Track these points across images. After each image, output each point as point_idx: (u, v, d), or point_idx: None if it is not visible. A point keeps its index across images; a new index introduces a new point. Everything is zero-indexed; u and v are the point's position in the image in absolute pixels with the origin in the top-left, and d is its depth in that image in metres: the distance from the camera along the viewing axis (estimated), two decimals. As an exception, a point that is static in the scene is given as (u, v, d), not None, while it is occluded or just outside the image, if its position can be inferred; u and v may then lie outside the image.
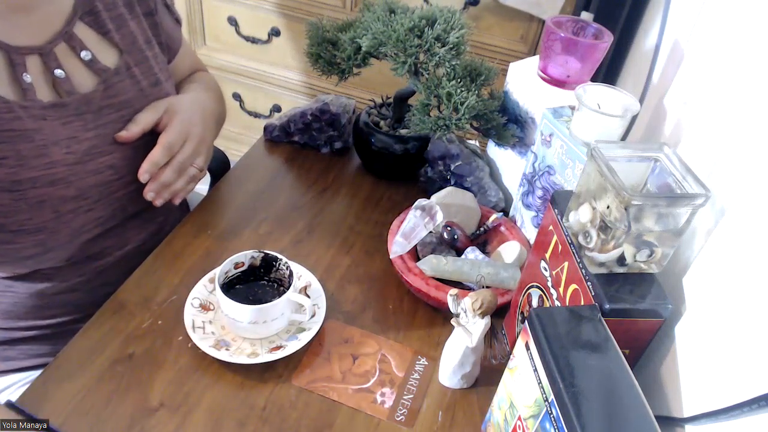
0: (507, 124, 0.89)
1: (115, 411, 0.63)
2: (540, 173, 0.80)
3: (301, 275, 0.78)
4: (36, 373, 0.67)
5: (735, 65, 0.59)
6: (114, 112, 0.75)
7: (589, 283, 0.55)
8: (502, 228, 0.86)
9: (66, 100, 0.70)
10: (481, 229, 0.86)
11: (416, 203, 0.81)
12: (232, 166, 1.02)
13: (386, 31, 0.81)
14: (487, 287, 0.76)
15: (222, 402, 0.65)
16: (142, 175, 0.75)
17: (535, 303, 0.67)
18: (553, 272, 0.62)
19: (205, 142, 0.82)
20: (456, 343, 0.67)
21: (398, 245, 0.78)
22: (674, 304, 0.55)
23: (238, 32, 1.64)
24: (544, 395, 0.48)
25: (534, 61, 0.89)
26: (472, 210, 0.87)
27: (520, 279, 0.73)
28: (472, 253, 0.80)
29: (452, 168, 0.92)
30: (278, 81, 1.69)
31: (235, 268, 0.73)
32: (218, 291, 0.68)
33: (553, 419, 0.46)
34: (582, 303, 0.56)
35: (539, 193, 0.81)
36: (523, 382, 0.52)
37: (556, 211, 0.62)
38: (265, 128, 1.07)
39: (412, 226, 0.79)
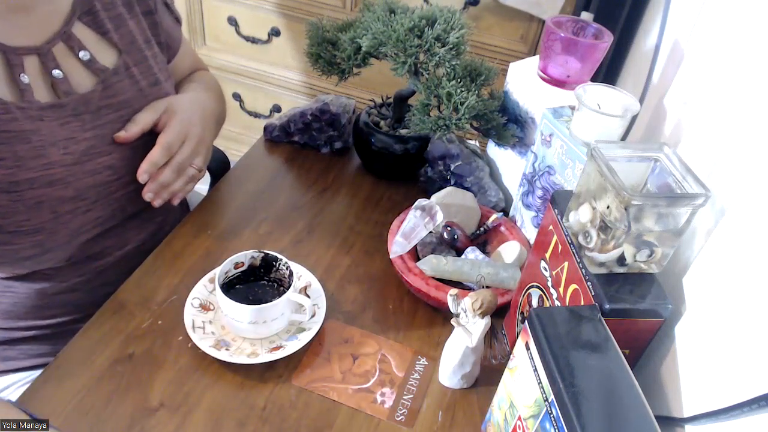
0: (507, 124, 0.89)
1: (115, 411, 0.63)
2: (540, 173, 0.80)
3: (301, 275, 0.78)
4: (36, 373, 0.67)
5: (735, 65, 0.59)
6: (113, 112, 0.75)
7: (589, 283, 0.55)
8: (502, 228, 0.86)
9: (64, 101, 0.70)
10: (481, 229, 0.86)
11: (416, 203, 0.81)
12: (232, 166, 1.02)
13: (386, 31, 0.81)
14: (487, 287, 0.76)
15: (222, 402, 0.65)
16: (141, 175, 0.74)
17: (535, 303, 0.67)
18: (553, 272, 0.62)
19: (204, 142, 0.82)
20: (456, 343, 0.67)
21: (398, 245, 0.78)
22: (674, 304, 0.55)
23: (238, 32, 1.64)
24: (544, 395, 0.48)
25: (534, 61, 0.89)
26: (472, 210, 0.87)
27: (520, 279, 0.73)
28: (472, 253, 0.80)
29: (452, 168, 0.92)
30: (278, 81, 1.69)
31: (235, 268, 0.73)
32: (218, 291, 0.68)
33: (553, 419, 0.46)
34: (582, 303, 0.56)
35: (539, 193, 0.81)
36: (523, 382, 0.52)
37: (556, 211, 0.62)
38: (265, 128, 1.07)
39: (412, 226, 0.79)
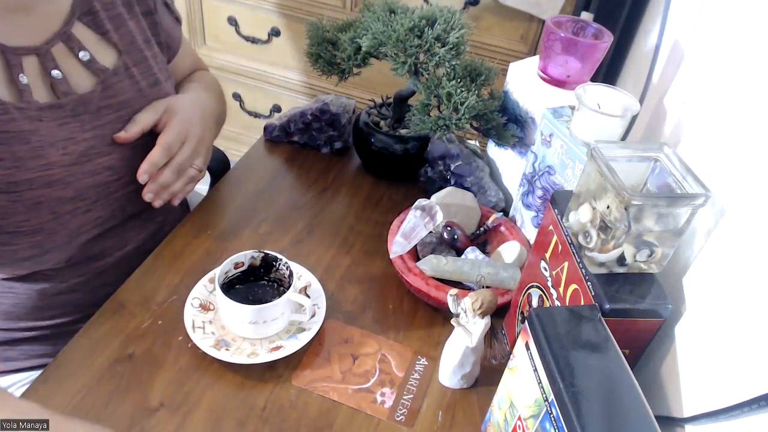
0: (507, 124, 0.89)
1: (115, 411, 0.63)
2: (540, 173, 0.80)
3: (301, 275, 0.78)
4: (36, 374, 0.67)
5: (735, 65, 0.59)
6: (112, 112, 0.75)
7: (589, 283, 0.55)
8: (502, 228, 0.86)
9: (62, 101, 0.70)
10: (481, 229, 0.86)
11: (416, 203, 0.81)
12: (232, 166, 1.02)
13: (386, 31, 0.81)
14: (487, 287, 0.76)
15: (222, 402, 0.65)
16: (141, 175, 0.74)
17: (535, 303, 0.67)
18: (553, 272, 0.62)
19: (204, 143, 0.82)
20: (456, 343, 0.67)
21: (398, 245, 0.78)
22: (674, 304, 0.55)
23: (238, 32, 1.64)
24: (544, 395, 0.48)
25: (534, 61, 0.89)
26: (472, 210, 0.87)
27: (520, 279, 0.73)
28: (472, 253, 0.80)
29: (452, 168, 0.92)
30: (278, 81, 1.69)
31: (235, 268, 0.73)
32: (218, 291, 0.68)
33: (553, 419, 0.46)
34: (582, 303, 0.56)
35: (539, 193, 0.81)
36: (523, 382, 0.52)
37: (556, 211, 0.62)
38: (265, 128, 1.07)
39: (412, 226, 0.79)
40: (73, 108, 0.71)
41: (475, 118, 0.83)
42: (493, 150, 0.99)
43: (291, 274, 0.72)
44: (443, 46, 0.81)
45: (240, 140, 1.80)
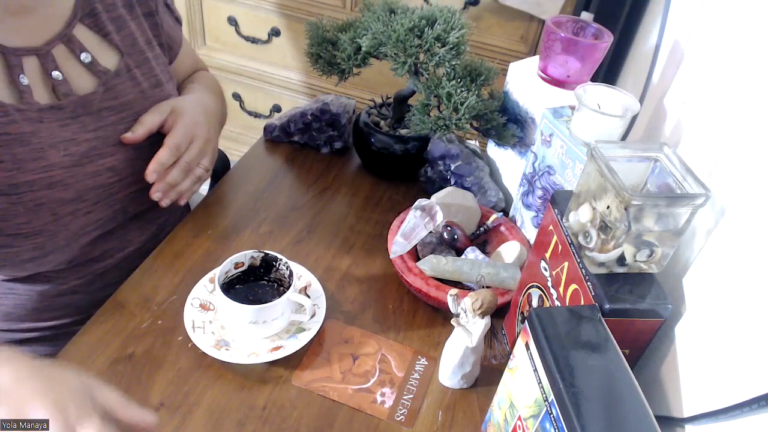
0: (507, 124, 0.89)
1: (115, 411, 0.63)
2: (540, 173, 0.80)
3: (301, 275, 0.78)
4: (36, 374, 0.67)
5: (735, 65, 0.59)
6: (114, 114, 0.75)
7: (589, 283, 0.55)
8: (502, 228, 0.86)
9: (63, 103, 0.70)
10: (481, 229, 0.86)
11: (416, 203, 0.81)
12: (232, 166, 1.02)
13: (386, 31, 0.81)
14: (487, 287, 0.76)
15: (222, 402, 0.65)
16: (150, 175, 0.74)
17: (535, 303, 0.67)
18: (553, 272, 0.62)
19: (211, 142, 0.82)
20: (456, 343, 0.67)
21: (398, 245, 0.78)
22: (674, 304, 0.55)
23: (238, 32, 1.64)
24: (544, 395, 0.48)
25: (534, 61, 0.89)
26: (472, 210, 0.87)
27: (520, 279, 0.73)
28: (472, 253, 0.80)
29: (452, 168, 0.92)
30: (278, 81, 1.69)
31: (235, 268, 0.73)
32: (218, 291, 0.68)
33: (553, 419, 0.46)
34: (582, 303, 0.56)
35: (539, 193, 0.81)
36: (523, 382, 0.52)
37: (556, 211, 0.62)
38: (265, 128, 1.07)
39: (412, 226, 0.79)
40: (73, 109, 0.71)
41: (475, 118, 0.84)
42: (493, 150, 0.99)
43: (291, 274, 0.72)
44: (443, 46, 0.81)
45: (240, 140, 1.80)
